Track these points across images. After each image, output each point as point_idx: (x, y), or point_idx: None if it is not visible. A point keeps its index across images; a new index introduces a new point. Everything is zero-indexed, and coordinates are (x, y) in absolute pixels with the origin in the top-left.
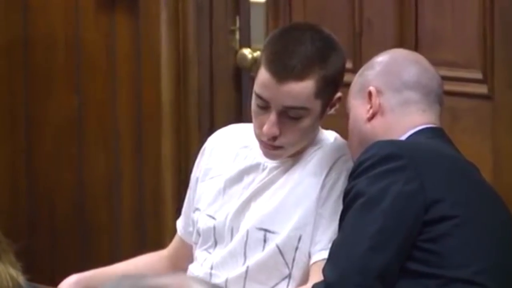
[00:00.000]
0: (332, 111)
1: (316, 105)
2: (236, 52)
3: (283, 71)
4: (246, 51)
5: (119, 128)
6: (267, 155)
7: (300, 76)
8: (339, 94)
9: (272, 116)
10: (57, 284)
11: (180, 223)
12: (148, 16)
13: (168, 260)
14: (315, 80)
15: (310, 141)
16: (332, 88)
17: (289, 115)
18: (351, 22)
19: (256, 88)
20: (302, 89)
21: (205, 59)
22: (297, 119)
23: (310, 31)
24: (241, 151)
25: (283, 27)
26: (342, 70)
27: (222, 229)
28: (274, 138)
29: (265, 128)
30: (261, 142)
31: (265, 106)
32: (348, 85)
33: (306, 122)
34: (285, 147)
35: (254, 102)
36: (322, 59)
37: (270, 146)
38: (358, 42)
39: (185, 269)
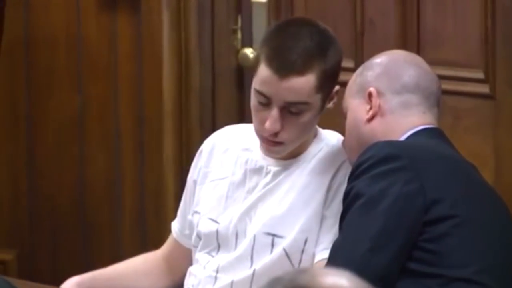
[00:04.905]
0: (331, 104)
1: (317, 100)
2: (238, 51)
3: (284, 66)
4: (248, 51)
5: (120, 128)
6: (268, 151)
7: (301, 71)
8: (337, 88)
9: (274, 112)
10: (58, 284)
11: (175, 225)
12: (150, 15)
13: (164, 261)
14: (316, 74)
15: (309, 138)
16: (332, 81)
17: (290, 111)
18: (352, 21)
19: (256, 85)
20: (304, 84)
21: (207, 59)
22: (298, 114)
23: (307, 26)
24: (241, 154)
25: (279, 23)
26: (340, 63)
27: (226, 233)
28: (276, 133)
29: (267, 124)
30: (262, 138)
31: (266, 103)
32: (346, 83)
33: (306, 117)
34: (285, 143)
35: (254, 98)
36: (321, 53)
37: (271, 142)
38: (360, 42)
39: (181, 269)
